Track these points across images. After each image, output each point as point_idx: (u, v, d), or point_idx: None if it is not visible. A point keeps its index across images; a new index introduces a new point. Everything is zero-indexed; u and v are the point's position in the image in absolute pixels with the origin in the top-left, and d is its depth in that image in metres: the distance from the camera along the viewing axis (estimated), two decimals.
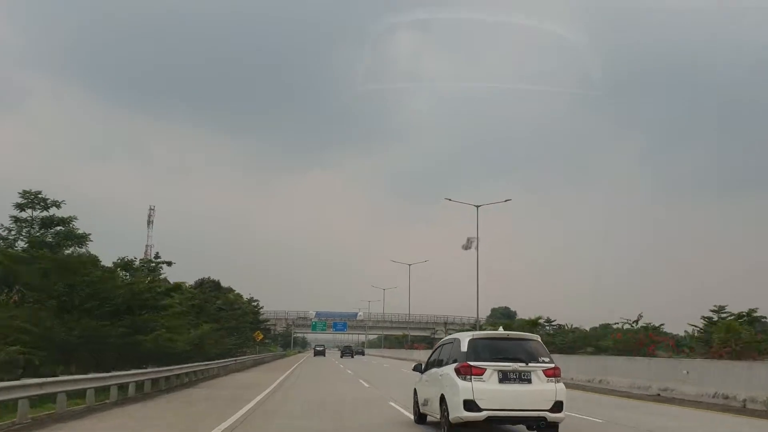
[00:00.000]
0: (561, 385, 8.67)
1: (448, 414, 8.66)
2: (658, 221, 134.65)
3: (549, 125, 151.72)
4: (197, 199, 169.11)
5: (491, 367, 8.53)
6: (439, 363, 9.79)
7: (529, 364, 8.62)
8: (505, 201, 42.51)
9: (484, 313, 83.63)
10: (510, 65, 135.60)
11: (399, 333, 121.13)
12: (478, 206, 41.05)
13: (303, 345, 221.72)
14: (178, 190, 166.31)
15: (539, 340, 9.48)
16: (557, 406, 8.46)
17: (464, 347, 8.99)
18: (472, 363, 8.56)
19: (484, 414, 8.29)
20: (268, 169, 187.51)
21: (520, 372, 8.56)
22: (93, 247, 23.65)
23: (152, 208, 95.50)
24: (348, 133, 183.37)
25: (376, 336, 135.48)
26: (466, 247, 44.83)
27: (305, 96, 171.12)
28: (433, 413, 9.58)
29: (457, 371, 8.66)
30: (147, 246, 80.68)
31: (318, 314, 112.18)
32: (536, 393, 8.48)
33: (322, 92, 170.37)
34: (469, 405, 8.31)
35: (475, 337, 9.41)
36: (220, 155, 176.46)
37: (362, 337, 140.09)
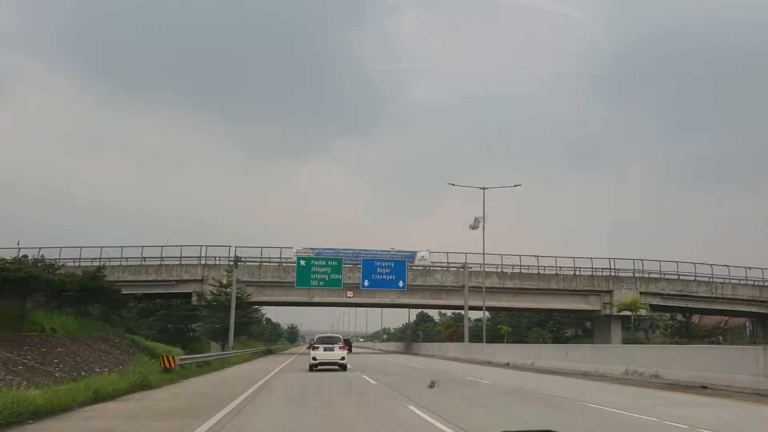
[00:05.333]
0: (344, 351, 24.89)
1: (310, 363, 24.52)
2: None
3: (555, 108, 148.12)
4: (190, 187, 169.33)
5: (321, 346, 24.58)
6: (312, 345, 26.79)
7: (333, 345, 24.76)
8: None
9: None
10: (516, 47, 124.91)
11: (522, 305, 40.91)
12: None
13: (292, 339, 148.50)
14: (173, 179, 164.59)
15: (340, 336, 27.82)
16: (343, 359, 24.38)
17: (315, 339, 26.34)
18: (315, 344, 25.10)
19: (317, 362, 24.21)
20: (266, 156, 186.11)
21: (330, 347, 24.50)
22: None
23: None
24: (347, 118, 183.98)
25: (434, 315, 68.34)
26: (473, 227, 42.04)
27: (305, 82, 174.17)
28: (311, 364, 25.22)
29: (311, 348, 25.39)
30: None
31: (316, 252, 34.92)
32: (335, 354, 24.28)
33: (322, 77, 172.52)
34: (314, 359, 24.28)
35: (318, 337, 26.53)
36: (219, 142, 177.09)
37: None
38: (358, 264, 45.07)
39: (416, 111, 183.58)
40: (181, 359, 22.14)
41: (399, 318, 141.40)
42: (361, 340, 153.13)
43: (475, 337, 56.02)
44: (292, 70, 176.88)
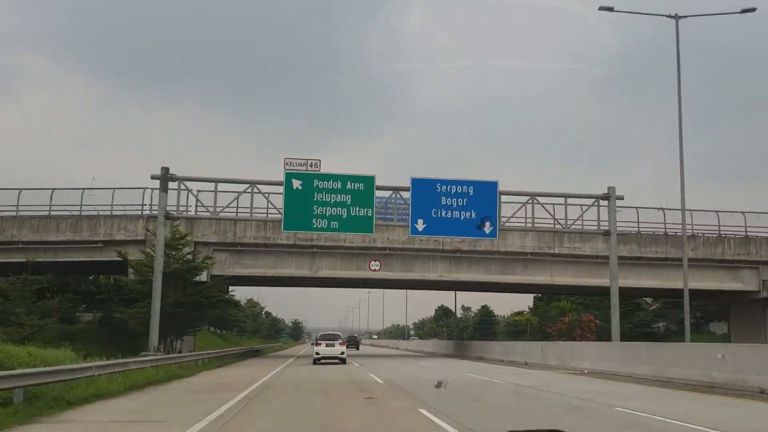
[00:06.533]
0: (344, 347, 29.94)
1: (314, 357, 29.23)
2: None
3: (562, 106, 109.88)
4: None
5: (323, 342, 29.60)
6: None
7: (334, 342, 29.70)
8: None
9: None
10: (520, 45, 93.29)
11: (640, 284, 17.84)
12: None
13: (296, 336, 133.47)
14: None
15: (341, 334, 33.73)
16: (343, 354, 29.29)
17: (318, 336, 31.63)
18: (318, 341, 30.25)
19: (320, 356, 28.88)
20: (267, 156, 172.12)
21: (332, 343, 29.44)
22: None
23: None
24: (349, 117, 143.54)
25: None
26: None
27: (306, 82, 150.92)
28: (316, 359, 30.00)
29: (314, 344, 31.35)
30: None
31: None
32: (337, 349, 29.14)
33: (324, 77, 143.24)
34: (317, 353, 29.05)
35: (321, 334, 31.75)
36: (227, 137, 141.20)
37: None
38: (391, 217, 28.17)
39: (419, 110, 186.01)
40: None
41: (416, 312, 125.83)
42: (375, 336, 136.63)
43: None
44: (294, 70, 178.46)
